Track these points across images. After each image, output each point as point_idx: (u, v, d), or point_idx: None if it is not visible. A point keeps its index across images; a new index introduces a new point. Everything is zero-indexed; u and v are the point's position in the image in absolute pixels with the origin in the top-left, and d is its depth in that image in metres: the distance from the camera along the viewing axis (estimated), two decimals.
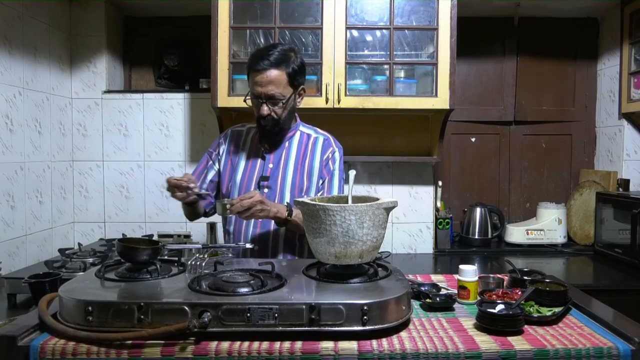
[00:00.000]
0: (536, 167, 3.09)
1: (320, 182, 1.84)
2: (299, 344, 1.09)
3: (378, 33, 2.48)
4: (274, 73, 1.66)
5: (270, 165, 1.81)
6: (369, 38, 2.50)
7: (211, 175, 1.89)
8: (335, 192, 1.84)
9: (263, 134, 1.80)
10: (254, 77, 1.68)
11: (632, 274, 2.32)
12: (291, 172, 1.80)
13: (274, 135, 1.79)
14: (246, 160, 1.84)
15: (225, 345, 1.08)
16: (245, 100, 1.75)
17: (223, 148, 1.88)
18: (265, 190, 1.79)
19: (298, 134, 1.87)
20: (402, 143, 2.83)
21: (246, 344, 1.09)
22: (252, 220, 1.78)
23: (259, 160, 1.83)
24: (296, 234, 1.82)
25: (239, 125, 1.94)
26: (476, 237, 2.86)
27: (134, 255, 1.34)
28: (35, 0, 2.43)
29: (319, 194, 1.83)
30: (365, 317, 1.11)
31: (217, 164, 1.88)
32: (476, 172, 3.07)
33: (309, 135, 1.88)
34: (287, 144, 1.84)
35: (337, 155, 1.86)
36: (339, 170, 1.87)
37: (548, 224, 2.86)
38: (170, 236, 2.75)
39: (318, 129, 1.92)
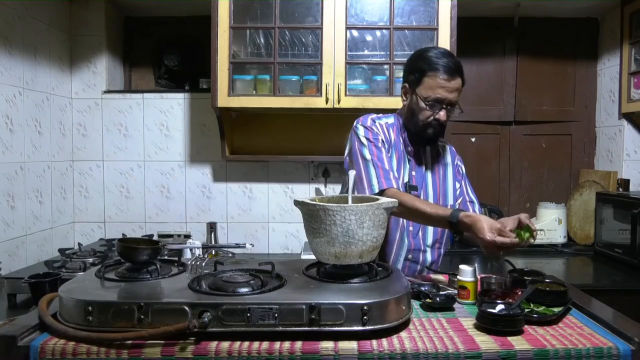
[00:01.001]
0: (536, 167, 3.09)
1: (457, 189, 1.82)
2: (299, 344, 1.09)
3: (378, 33, 2.48)
4: (459, 81, 1.62)
5: (414, 173, 1.74)
6: (369, 38, 2.50)
7: (395, 168, 1.68)
8: (474, 197, 1.85)
9: (423, 139, 1.70)
10: (442, 80, 1.59)
11: (632, 274, 2.32)
12: (430, 180, 1.76)
13: (429, 143, 1.73)
14: (396, 161, 1.70)
15: (225, 345, 1.08)
16: (417, 101, 1.63)
17: (383, 139, 1.68)
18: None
19: None
20: None
21: (246, 344, 1.09)
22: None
23: (403, 165, 1.72)
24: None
25: (377, 117, 1.73)
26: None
27: (134, 255, 1.34)
28: (35, 0, 2.43)
29: (458, 201, 1.81)
30: (365, 317, 1.11)
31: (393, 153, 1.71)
32: (476, 172, 3.07)
33: (435, 143, 1.81)
34: (423, 151, 1.78)
35: (461, 163, 1.88)
36: (467, 177, 1.88)
37: (548, 224, 2.85)
38: (170, 236, 2.75)
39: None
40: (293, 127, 2.82)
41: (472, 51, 2.96)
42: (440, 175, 1.80)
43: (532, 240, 1.42)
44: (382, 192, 1.57)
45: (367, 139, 1.66)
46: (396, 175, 1.64)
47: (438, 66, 1.60)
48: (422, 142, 1.73)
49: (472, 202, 1.84)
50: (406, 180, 1.72)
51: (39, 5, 2.46)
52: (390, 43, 2.41)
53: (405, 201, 1.51)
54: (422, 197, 1.72)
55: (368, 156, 1.63)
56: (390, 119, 1.76)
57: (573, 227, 2.95)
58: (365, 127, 1.69)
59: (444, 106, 1.62)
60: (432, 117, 1.64)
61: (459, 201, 1.83)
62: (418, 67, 1.65)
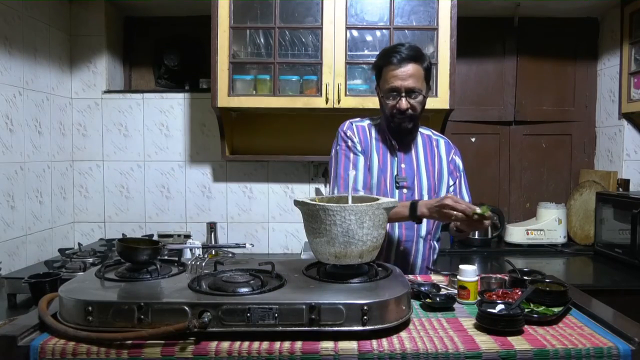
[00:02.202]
0: (536, 167, 3.09)
1: (451, 185, 1.83)
2: (299, 344, 1.09)
3: (378, 33, 2.48)
4: (413, 67, 1.63)
5: (403, 165, 1.77)
6: (369, 38, 2.50)
7: (362, 173, 1.74)
8: (466, 197, 1.84)
9: (397, 130, 1.73)
10: (393, 70, 1.64)
11: (632, 274, 2.32)
12: (424, 172, 1.78)
13: (407, 133, 1.75)
14: (377, 158, 1.77)
15: (225, 345, 1.08)
16: (380, 98, 1.71)
17: (357, 142, 1.76)
18: (405, 190, 1.75)
19: (419, 135, 1.83)
20: None
21: (246, 344, 1.09)
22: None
23: (391, 158, 1.77)
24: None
25: (357, 120, 1.83)
26: (476, 237, 2.86)
27: (134, 255, 1.34)
28: (35, 0, 2.43)
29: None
30: (365, 317, 1.11)
31: (363, 160, 1.76)
32: (476, 172, 3.07)
33: (429, 137, 1.85)
34: (413, 144, 1.81)
35: (458, 158, 1.86)
36: (464, 173, 1.87)
37: (548, 224, 2.86)
38: (170, 236, 2.75)
39: (434, 131, 1.90)
40: (293, 127, 2.82)
41: (472, 51, 2.96)
42: (435, 168, 1.81)
43: (487, 222, 1.48)
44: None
45: (340, 147, 1.77)
46: (357, 184, 1.71)
47: (388, 58, 1.66)
48: (400, 134, 1.76)
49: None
50: (395, 173, 1.76)
51: (39, 5, 2.46)
52: (390, 43, 2.41)
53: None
54: (414, 189, 1.75)
55: (335, 165, 1.76)
56: (374, 120, 1.84)
57: (573, 227, 2.95)
58: (341, 136, 1.78)
59: (402, 95, 1.65)
60: (395, 108, 1.68)
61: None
62: (376, 65, 1.72)
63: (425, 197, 1.76)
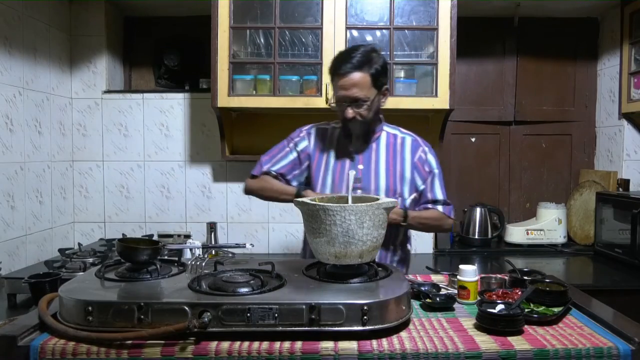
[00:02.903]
0: (536, 167, 3.09)
1: (421, 186, 1.79)
2: (299, 344, 1.09)
3: (378, 33, 2.48)
4: (357, 76, 1.64)
5: (361, 167, 1.78)
6: (369, 38, 2.50)
7: (283, 164, 1.83)
8: (439, 196, 1.79)
9: (350, 136, 1.77)
10: (338, 80, 1.66)
11: (632, 274, 2.32)
12: (383, 173, 1.77)
13: (360, 137, 1.77)
14: (335, 160, 1.80)
15: (225, 345, 1.09)
16: (329, 105, 1.74)
17: (308, 144, 1.83)
18: (359, 191, 1.75)
19: (384, 134, 1.82)
20: None
21: (246, 344, 1.09)
22: None
23: (348, 161, 1.79)
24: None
25: (323, 124, 1.88)
26: (476, 237, 2.86)
27: (134, 255, 1.34)
28: (35, 0, 2.43)
29: (411, 197, 1.79)
30: (365, 317, 1.11)
31: (295, 157, 1.83)
32: (476, 172, 3.07)
33: (395, 136, 1.83)
34: (374, 145, 1.80)
35: (429, 155, 1.81)
36: (439, 170, 1.82)
37: (548, 224, 2.86)
38: (170, 236, 2.75)
39: (402, 129, 1.87)
40: (293, 127, 2.80)
41: (472, 51, 2.96)
42: (397, 168, 1.78)
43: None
44: (253, 176, 1.85)
45: (285, 140, 1.87)
46: (272, 168, 1.82)
47: (334, 67, 1.68)
48: (356, 137, 1.78)
49: (435, 201, 1.78)
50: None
51: (39, 5, 2.46)
52: (390, 43, 2.41)
53: (255, 184, 1.84)
54: (370, 191, 1.75)
55: (269, 151, 1.88)
56: (338, 123, 1.84)
57: (573, 227, 2.95)
58: (292, 134, 1.88)
59: (347, 104, 1.67)
60: (343, 116, 1.71)
61: (413, 196, 1.79)
62: (329, 74, 1.73)
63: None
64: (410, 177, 1.78)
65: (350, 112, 1.67)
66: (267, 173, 1.83)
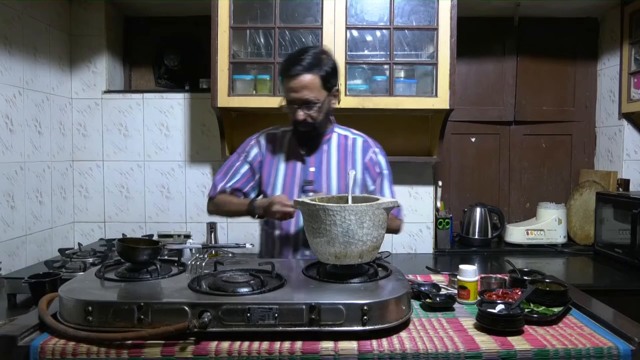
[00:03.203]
0: (536, 167, 3.09)
1: (371, 186, 1.81)
2: (299, 344, 1.09)
3: (378, 33, 2.48)
4: (307, 78, 1.64)
5: (312, 169, 1.79)
6: (369, 38, 2.50)
7: (237, 179, 1.84)
8: (388, 195, 1.80)
9: (300, 138, 1.78)
10: (288, 83, 1.66)
11: (632, 274, 2.32)
12: (335, 174, 1.78)
13: (311, 139, 1.78)
14: (286, 164, 1.81)
15: (225, 345, 1.09)
16: (281, 107, 1.73)
17: (259, 151, 1.84)
18: (311, 194, 1.76)
19: (335, 135, 1.84)
20: (402, 143, 2.83)
21: (246, 344, 1.09)
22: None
23: (299, 164, 1.80)
24: None
25: (273, 128, 1.89)
26: (476, 237, 2.86)
27: (134, 255, 1.34)
28: (35, 0, 2.43)
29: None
30: (365, 317, 1.11)
31: (247, 169, 1.84)
32: (476, 172, 3.07)
33: (346, 137, 1.85)
34: (325, 146, 1.81)
35: (380, 156, 1.83)
36: (389, 171, 1.84)
37: (548, 224, 2.86)
38: (170, 236, 2.75)
39: (353, 130, 1.89)
40: None
41: (472, 51, 2.96)
42: (345, 171, 1.79)
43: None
44: (211, 198, 1.86)
45: (236, 153, 1.87)
46: (227, 186, 1.83)
47: (284, 70, 1.68)
48: (305, 140, 1.79)
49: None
50: (303, 177, 1.79)
51: (38, 5, 2.46)
52: (390, 43, 2.41)
53: (212, 206, 1.86)
54: (323, 191, 1.76)
55: (222, 166, 1.88)
56: (289, 127, 1.84)
57: (573, 227, 2.95)
58: (242, 145, 1.87)
59: (298, 106, 1.68)
60: (293, 118, 1.71)
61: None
62: (279, 76, 1.75)
63: None
64: (361, 178, 1.80)
65: (301, 115, 1.68)
66: (223, 192, 1.83)
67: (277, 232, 1.80)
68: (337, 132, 1.85)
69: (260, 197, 1.83)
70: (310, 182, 1.77)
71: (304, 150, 1.80)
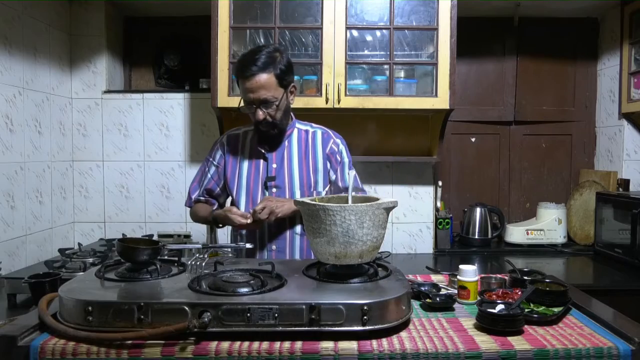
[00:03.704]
0: (536, 167, 3.09)
1: (333, 176, 1.85)
2: (299, 344, 1.09)
3: (378, 33, 2.48)
4: (262, 77, 1.66)
5: (274, 165, 1.82)
6: (369, 38, 2.50)
7: (207, 181, 1.90)
8: (349, 182, 1.81)
9: (263, 137, 1.81)
10: (244, 83, 1.68)
11: (632, 274, 2.32)
12: (297, 169, 1.82)
13: (273, 137, 1.81)
14: (249, 162, 1.84)
15: (225, 345, 1.08)
16: (239, 108, 1.76)
17: (222, 154, 1.88)
18: (274, 190, 1.81)
19: (295, 131, 1.87)
20: (402, 143, 2.83)
21: (246, 344, 1.09)
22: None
23: (262, 162, 1.83)
24: None
25: (234, 130, 1.93)
26: (476, 237, 2.86)
27: (134, 255, 1.34)
28: (35, 0, 2.43)
29: (326, 189, 1.85)
30: (365, 317, 1.11)
31: (214, 170, 1.88)
32: (476, 172, 3.07)
33: (306, 131, 1.88)
34: (286, 142, 1.85)
35: (341, 146, 1.88)
36: (349, 159, 1.88)
37: (548, 224, 2.86)
38: (170, 236, 2.75)
39: (313, 124, 1.92)
40: None
41: (472, 51, 2.96)
42: (310, 163, 1.83)
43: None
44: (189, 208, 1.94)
45: (206, 159, 1.92)
46: (200, 193, 1.89)
47: (239, 71, 1.70)
48: (267, 139, 1.80)
49: (347, 189, 1.80)
50: (266, 175, 1.81)
51: (38, 5, 2.46)
52: (390, 43, 2.41)
53: (191, 217, 1.93)
54: (284, 188, 1.80)
55: (196, 175, 1.94)
56: (248, 128, 1.88)
57: (573, 227, 2.95)
58: (210, 151, 1.91)
59: (256, 106, 1.70)
60: (254, 118, 1.73)
61: (327, 188, 1.86)
62: (235, 77, 1.76)
63: (297, 193, 1.80)
64: (323, 169, 1.84)
65: (260, 114, 1.70)
66: (198, 201, 1.90)
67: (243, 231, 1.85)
68: (298, 128, 1.88)
69: (229, 200, 1.91)
70: (273, 178, 1.80)
71: (266, 148, 1.83)
